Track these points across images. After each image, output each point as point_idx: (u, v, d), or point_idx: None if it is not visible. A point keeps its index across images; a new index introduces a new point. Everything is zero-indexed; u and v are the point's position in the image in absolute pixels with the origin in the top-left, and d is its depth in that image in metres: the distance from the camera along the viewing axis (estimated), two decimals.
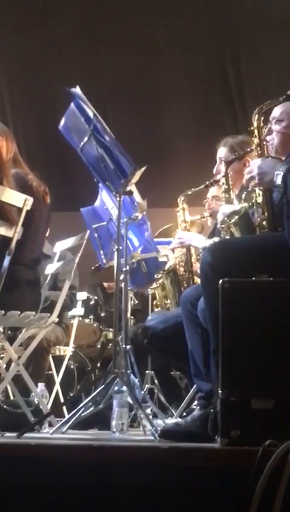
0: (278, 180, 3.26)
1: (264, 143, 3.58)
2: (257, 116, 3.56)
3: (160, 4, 7.80)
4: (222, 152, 4.72)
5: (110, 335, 6.83)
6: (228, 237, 3.94)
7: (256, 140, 3.58)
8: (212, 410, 3.16)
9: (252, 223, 3.55)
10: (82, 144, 4.06)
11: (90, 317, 7.15)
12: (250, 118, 3.61)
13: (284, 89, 3.52)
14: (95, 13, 7.94)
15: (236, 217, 3.67)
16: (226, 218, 3.73)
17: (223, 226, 3.77)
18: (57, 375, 5.70)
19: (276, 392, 2.82)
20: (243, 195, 4.08)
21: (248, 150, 4.34)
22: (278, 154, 3.87)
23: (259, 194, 3.47)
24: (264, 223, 3.45)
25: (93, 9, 7.90)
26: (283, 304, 2.90)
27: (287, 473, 2.38)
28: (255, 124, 3.57)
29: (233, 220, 3.68)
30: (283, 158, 3.77)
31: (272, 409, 2.80)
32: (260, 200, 3.48)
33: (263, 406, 2.81)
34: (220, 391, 2.85)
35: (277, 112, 3.87)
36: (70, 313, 6.24)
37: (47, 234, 4.75)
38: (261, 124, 3.58)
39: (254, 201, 3.52)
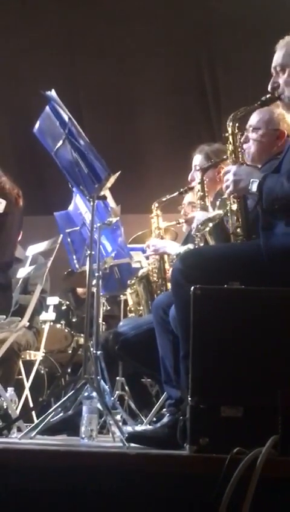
0: (254, 188, 3.24)
1: (239, 150, 3.56)
2: (231, 122, 3.53)
3: (136, 12, 7.80)
4: (197, 159, 4.73)
5: (82, 340, 6.79)
6: (201, 244, 3.95)
7: (231, 147, 3.54)
8: (181, 418, 3.15)
9: (227, 231, 3.54)
10: (56, 147, 4.04)
11: (61, 322, 7.12)
12: (225, 125, 3.59)
13: (260, 96, 3.52)
14: (71, 18, 7.93)
15: (210, 225, 3.67)
16: (200, 226, 3.72)
17: (197, 233, 3.76)
18: (27, 380, 5.65)
19: (245, 400, 2.82)
20: (218, 202, 4.09)
21: (224, 157, 4.35)
22: (255, 162, 3.88)
23: (234, 201, 3.45)
24: (238, 230, 3.44)
25: (70, 15, 7.89)
26: (254, 312, 2.90)
27: (255, 481, 2.37)
28: (229, 130, 3.53)
29: (208, 228, 3.67)
30: (259, 166, 3.78)
31: (241, 417, 2.80)
32: (234, 207, 3.46)
33: (232, 413, 2.80)
34: (189, 398, 2.84)
35: (253, 120, 3.88)
36: (42, 318, 6.20)
37: (19, 238, 4.72)
38: (236, 131, 3.55)
39: (228, 208, 3.50)
